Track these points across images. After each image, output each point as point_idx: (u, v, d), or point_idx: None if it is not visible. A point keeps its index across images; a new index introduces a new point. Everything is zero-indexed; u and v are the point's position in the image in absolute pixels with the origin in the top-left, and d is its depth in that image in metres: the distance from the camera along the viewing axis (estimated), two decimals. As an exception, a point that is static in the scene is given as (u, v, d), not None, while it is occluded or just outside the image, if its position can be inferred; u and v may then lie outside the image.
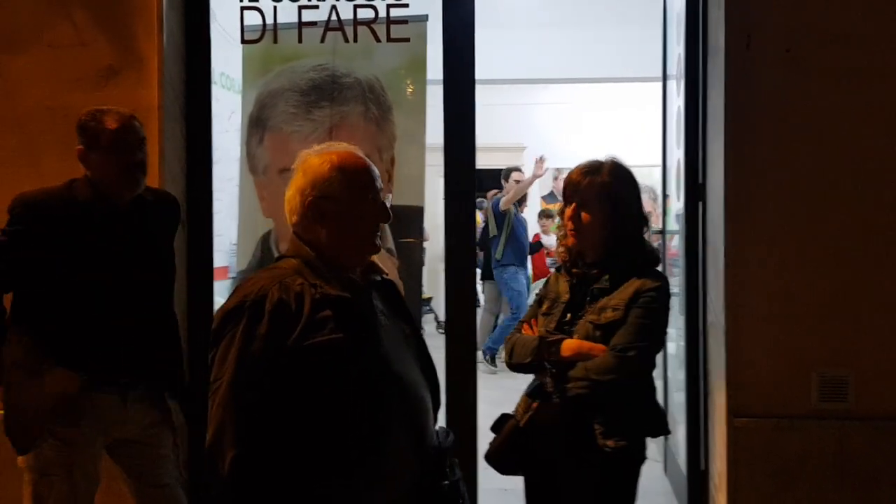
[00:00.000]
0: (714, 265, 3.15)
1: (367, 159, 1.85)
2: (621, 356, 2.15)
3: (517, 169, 8.58)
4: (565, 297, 2.33)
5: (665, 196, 4.24)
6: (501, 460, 2.37)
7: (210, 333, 1.76)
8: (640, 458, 2.28)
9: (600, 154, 2.40)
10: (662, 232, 4.23)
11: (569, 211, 2.32)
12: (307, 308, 1.69)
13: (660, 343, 2.27)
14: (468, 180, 3.47)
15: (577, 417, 2.18)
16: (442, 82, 3.46)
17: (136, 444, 2.58)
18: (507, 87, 9.99)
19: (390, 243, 3.57)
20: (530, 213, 10.15)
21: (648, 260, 2.31)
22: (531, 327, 2.39)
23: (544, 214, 8.88)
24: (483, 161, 11.64)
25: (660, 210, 4.63)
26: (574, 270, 2.35)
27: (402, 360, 1.82)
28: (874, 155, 2.98)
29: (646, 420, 2.29)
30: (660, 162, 4.28)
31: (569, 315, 2.30)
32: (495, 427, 2.40)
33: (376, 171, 1.85)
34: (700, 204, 3.27)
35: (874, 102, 2.98)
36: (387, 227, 3.60)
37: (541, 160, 7.56)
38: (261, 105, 3.70)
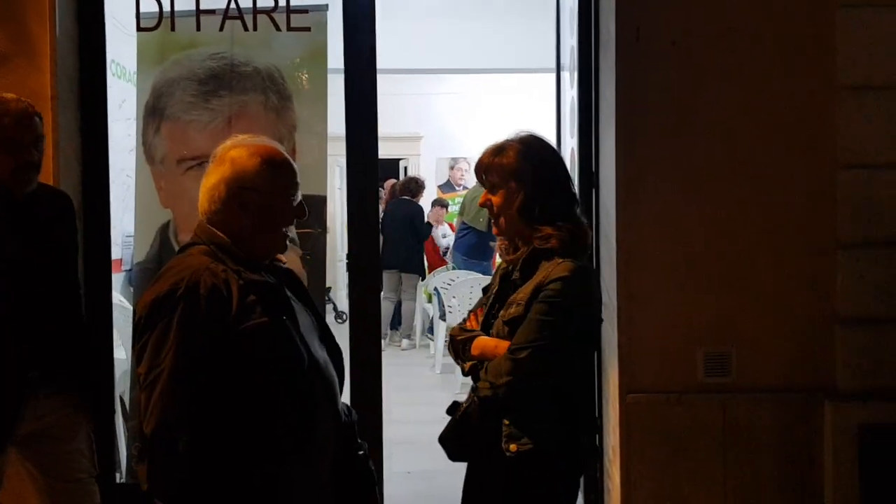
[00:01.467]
0: (607, 249, 3.30)
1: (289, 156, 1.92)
2: (513, 358, 2.02)
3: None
4: (495, 288, 2.27)
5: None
6: (446, 446, 2.26)
7: (137, 322, 1.76)
8: (559, 462, 2.13)
9: (515, 131, 2.28)
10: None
11: (482, 196, 2.21)
12: (235, 293, 1.72)
13: (563, 339, 2.06)
14: (371, 170, 3.50)
15: (487, 418, 2.09)
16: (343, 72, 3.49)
17: (47, 439, 2.51)
18: (405, 77, 10.03)
19: (293, 233, 3.57)
20: (425, 203, 10.29)
21: (565, 245, 2.08)
22: (477, 319, 2.30)
23: (437, 203, 8.92)
24: (381, 151, 11.68)
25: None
26: (508, 258, 2.24)
27: (313, 343, 1.88)
28: (757, 146, 3.17)
29: (562, 423, 2.11)
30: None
31: (497, 307, 2.22)
32: (448, 411, 2.31)
33: (296, 166, 1.92)
34: (593, 191, 3.41)
35: (757, 96, 3.17)
36: (289, 216, 3.61)
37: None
38: (157, 94, 3.64)
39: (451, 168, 11.04)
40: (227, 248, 1.80)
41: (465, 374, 2.20)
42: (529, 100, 8.46)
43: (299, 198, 1.92)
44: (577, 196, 2.27)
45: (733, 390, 3.17)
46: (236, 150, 1.85)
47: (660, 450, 3.14)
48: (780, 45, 3.17)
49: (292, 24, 3.45)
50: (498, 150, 2.18)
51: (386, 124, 11.18)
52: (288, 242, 3.58)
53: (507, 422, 2.08)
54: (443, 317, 6.45)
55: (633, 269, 3.15)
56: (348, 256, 3.56)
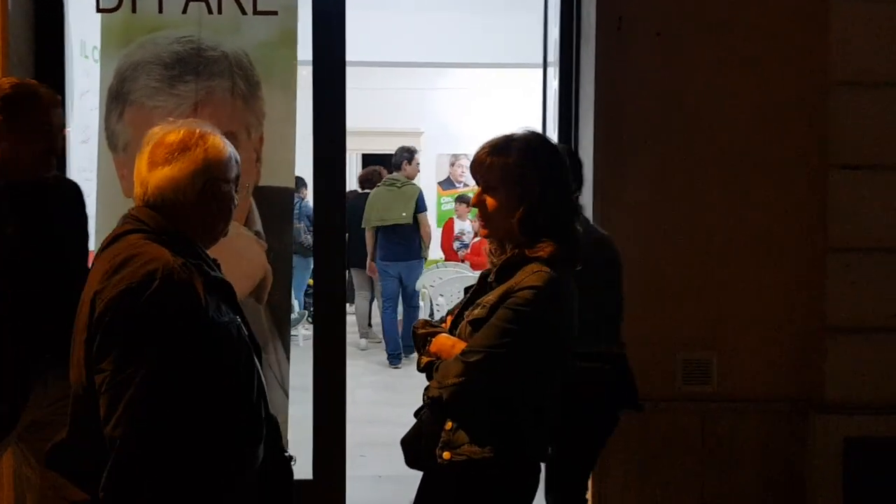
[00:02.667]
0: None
1: None
2: (463, 360, 1.86)
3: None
4: (474, 288, 2.12)
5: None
6: (405, 451, 2.14)
7: (100, 316, 1.62)
8: (504, 477, 1.97)
9: (519, 127, 2.07)
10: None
11: (474, 196, 2.02)
12: (200, 289, 1.62)
13: (522, 350, 1.88)
14: (338, 164, 3.35)
15: (436, 422, 1.97)
16: (315, 58, 3.35)
17: (49, 428, 2.38)
18: (405, 72, 9.89)
19: (258, 226, 3.42)
20: (427, 200, 10.11)
21: (553, 259, 1.89)
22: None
23: (460, 200, 8.69)
24: (380, 146, 11.51)
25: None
26: (494, 260, 2.05)
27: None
28: (741, 140, 3.01)
29: (511, 436, 1.94)
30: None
31: (469, 308, 2.07)
32: (415, 413, 2.20)
33: None
34: (572, 187, 3.25)
35: (743, 88, 3.01)
36: (255, 208, 3.47)
37: None
38: (121, 78, 3.47)
39: (452, 164, 10.87)
40: (182, 240, 1.69)
41: (419, 369, 2.06)
42: (531, 95, 8.28)
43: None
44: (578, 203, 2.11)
45: (713, 399, 3.02)
46: (211, 139, 1.76)
47: (634, 461, 2.99)
48: (772, 38, 3.01)
49: (259, 8, 3.29)
50: (499, 148, 1.97)
51: (386, 120, 11.05)
52: (252, 234, 3.50)
53: (448, 427, 1.94)
54: (431, 315, 6.31)
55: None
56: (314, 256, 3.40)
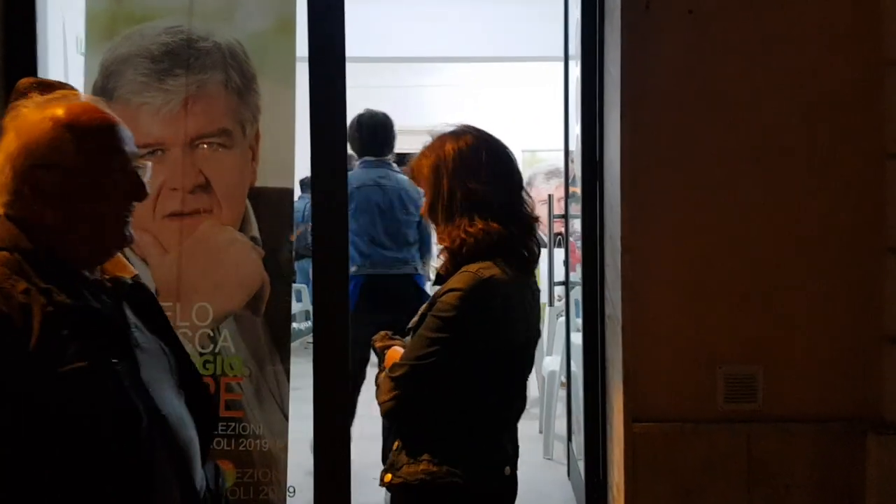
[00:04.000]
0: (611, 252, 2.83)
1: (113, 114, 1.38)
2: (391, 376, 1.78)
3: None
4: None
5: (567, 179, 3.93)
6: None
7: None
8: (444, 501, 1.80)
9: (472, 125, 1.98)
10: (566, 216, 3.90)
11: (423, 207, 1.95)
12: (37, 326, 1.23)
13: (452, 358, 1.73)
14: (340, 166, 3.07)
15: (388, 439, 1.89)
16: (312, 52, 3.07)
17: None
18: (416, 68, 9.63)
19: (255, 231, 3.15)
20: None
21: (472, 253, 1.77)
22: None
23: None
24: (399, 145, 11.24)
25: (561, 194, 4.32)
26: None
27: (164, 391, 1.39)
28: (786, 130, 2.70)
29: (450, 454, 1.78)
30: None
31: None
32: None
33: (127, 130, 1.39)
34: (597, 184, 2.94)
35: (789, 73, 2.69)
36: (251, 212, 3.19)
37: None
38: (107, 73, 3.22)
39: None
40: (30, 255, 1.29)
41: (377, 384, 1.91)
42: (549, 90, 7.98)
43: (133, 170, 1.38)
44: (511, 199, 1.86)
45: (760, 419, 2.69)
46: (24, 114, 1.32)
47: (671, 489, 2.67)
48: (818, 15, 2.68)
49: (253, -9, 3.03)
50: (430, 146, 1.92)
51: (403, 117, 10.74)
52: (248, 240, 3.23)
53: (395, 446, 1.86)
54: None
55: (641, 276, 2.68)
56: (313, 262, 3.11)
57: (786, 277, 2.69)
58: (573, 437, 3.73)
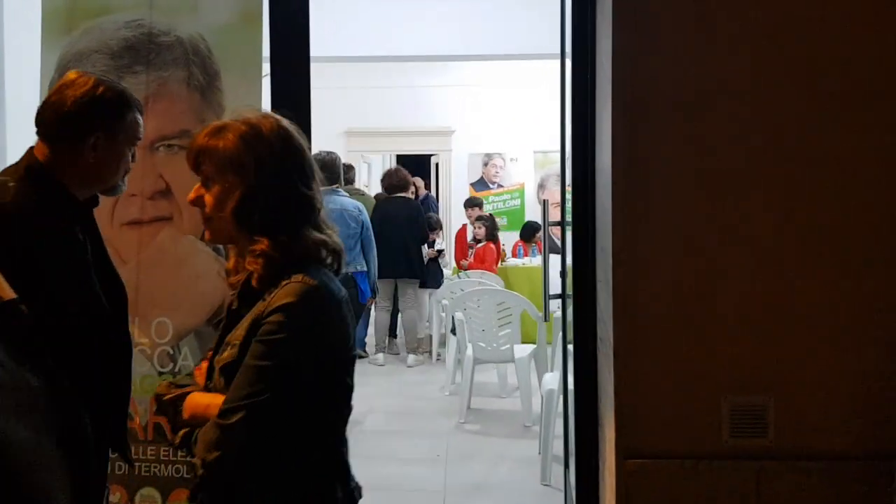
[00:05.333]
0: (603, 265, 2.54)
1: None
2: (221, 424, 1.47)
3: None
4: (224, 320, 1.68)
5: (563, 184, 3.62)
6: None
7: None
8: None
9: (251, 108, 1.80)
10: (562, 224, 3.59)
11: (193, 191, 1.64)
12: None
13: (294, 388, 1.50)
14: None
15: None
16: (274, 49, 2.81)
17: None
18: (435, 68, 9.38)
19: (217, 241, 2.90)
20: (460, 202, 9.59)
21: (272, 266, 1.53)
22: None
23: (471, 203, 8.18)
24: (409, 146, 10.98)
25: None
26: (231, 280, 1.69)
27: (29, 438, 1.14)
28: (806, 126, 2.38)
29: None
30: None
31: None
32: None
33: None
34: (589, 189, 2.64)
35: (815, 56, 2.37)
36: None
37: None
38: (64, 70, 2.99)
39: (485, 164, 10.32)
40: None
41: (176, 445, 1.61)
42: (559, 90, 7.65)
43: None
44: (318, 203, 1.64)
45: (771, 456, 2.38)
46: None
47: (668, 534, 2.37)
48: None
49: (215, -20, 2.78)
50: (216, 131, 1.60)
51: (415, 118, 10.54)
52: (210, 250, 2.97)
53: None
54: (453, 330, 5.74)
55: (636, 293, 2.38)
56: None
57: (803, 295, 2.37)
58: (567, 471, 3.43)
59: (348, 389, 1.62)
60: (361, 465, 4.07)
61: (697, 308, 2.38)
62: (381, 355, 6.83)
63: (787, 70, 2.36)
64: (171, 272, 2.88)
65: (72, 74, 2.08)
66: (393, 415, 5.24)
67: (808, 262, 2.37)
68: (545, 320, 3.35)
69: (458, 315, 5.28)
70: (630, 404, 2.39)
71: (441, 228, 7.54)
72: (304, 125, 2.77)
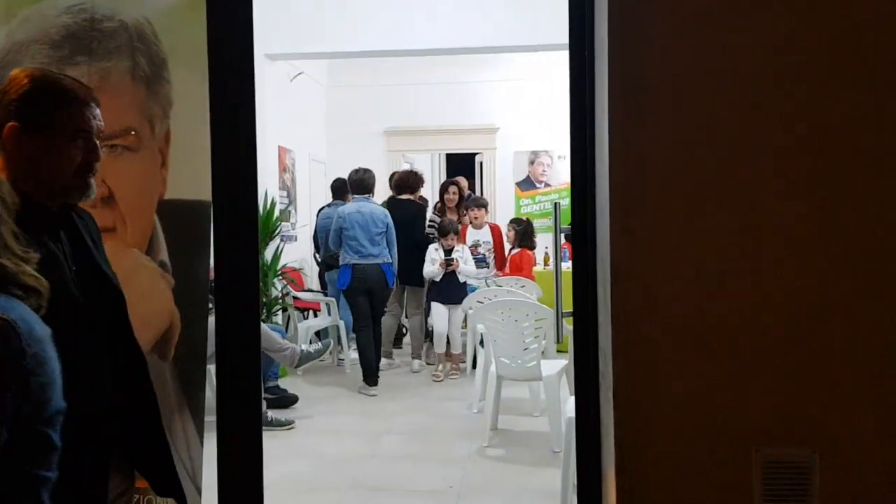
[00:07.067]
0: (602, 282, 2.07)
1: None
2: None
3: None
4: None
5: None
6: None
7: None
8: None
9: None
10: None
11: None
12: None
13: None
14: (247, 180, 2.41)
15: None
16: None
17: None
18: (478, 63, 8.95)
19: (164, 255, 2.52)
20: (505, 202, 9.35)
21: None
22: None
23: (476, 203, 7.17)
24: (452, 145, 10.53)
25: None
26: None
27: None
28: (838, 111, 1.88)
29: None
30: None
31: None
32: None
33: None
34: (588, 192, 2.17)
35: (835, 33, 1.88)
36: (159, 230, 2.57)
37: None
38: (2, 64, 2.68)
39: (532, 163, 9.81)
40: None
41: None
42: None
43: None
44: None
45: (815, 524, 1.88)
46: None
47: None
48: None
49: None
50: None
51: (457, 116, 10.07)
52: (156, 266, 2.60)
53: None
54: (482, 343, 5.29)
55: (639, 319, 1.91)
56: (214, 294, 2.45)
57: (849, 324, 1.87)
58: None
59: (49, 447, 1.31)
60: (361, 499, 3.70)
61: (716, 337, 1.90)
62: (416, 362, 6.53)
63: (815, 44, 1.87)
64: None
65: (14, 73, 1.78)
66: (410, 436, 4.81)
67: (859, 284, 1.87)
68: (557, 341, 2.88)
69: (480, 327, 4.80)
70: (635, 457, 1.92)
71: (457, 234, 6.50)
72: (247, 136, 2.39)
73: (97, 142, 1.74)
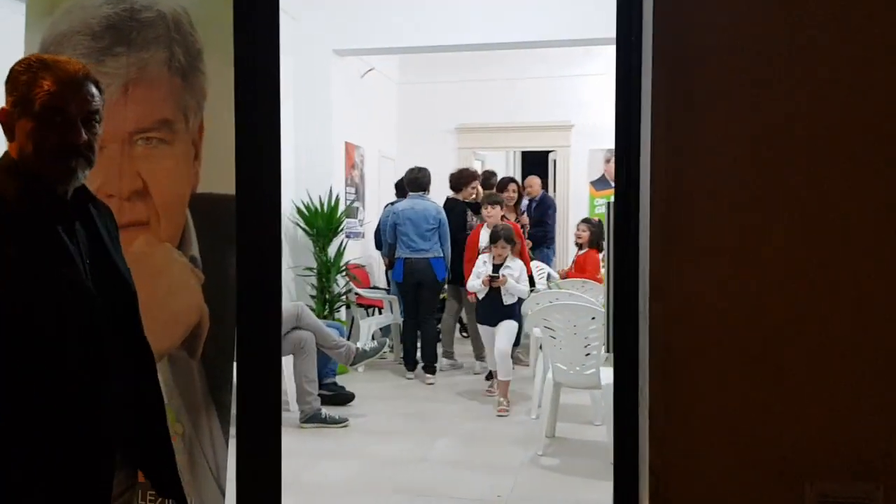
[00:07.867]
0: (642, 295, 1.90)
1: None
2: None
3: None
4: None
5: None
6: None
7: None
8: None
9: None
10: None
11: None
12: None
13: None
14: (271, 171, 2.33)
15: None
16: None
17: None
18: (554, 58, 8.74)
19: (195, 250, 2.46)
20: (579, 202, 9.32)
21: None
22: None
23: (492, 201, 6.27)
24: (524, 142, 10.32)
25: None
26: None
27: None
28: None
29: None
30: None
31: None
32: None
33: None
34: (630, 196, 2.00)
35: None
36: (191, 225, 2.51)
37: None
38: (45, 53, 2.67)
39: (607, 161, 9.53)
40: None
41: None
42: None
43: None
44: None
45: (876, 572, 1.68)
46: None
47: None
48: None
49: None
50: None
51: (531, 112, 9.85)
52: (187, 261, 2.54)
53: None
54: (541, 347, 5.11)
55: (680, 336, 1.74)
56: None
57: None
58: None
59: None
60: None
61: (765, 356, 1.71)
62: (479, 364, 6.39)
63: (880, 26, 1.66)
64: (146, 286, 2.46)
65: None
66: (465, 441, 4.68)
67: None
68: (607, 351, 2.71)
69: (536, 332, 4.62)
70: (673, 489, 1.75)
71: (512, 242, 5.61)
72: (271, 119, 2.31)
73: (78, 122, 1.62)
